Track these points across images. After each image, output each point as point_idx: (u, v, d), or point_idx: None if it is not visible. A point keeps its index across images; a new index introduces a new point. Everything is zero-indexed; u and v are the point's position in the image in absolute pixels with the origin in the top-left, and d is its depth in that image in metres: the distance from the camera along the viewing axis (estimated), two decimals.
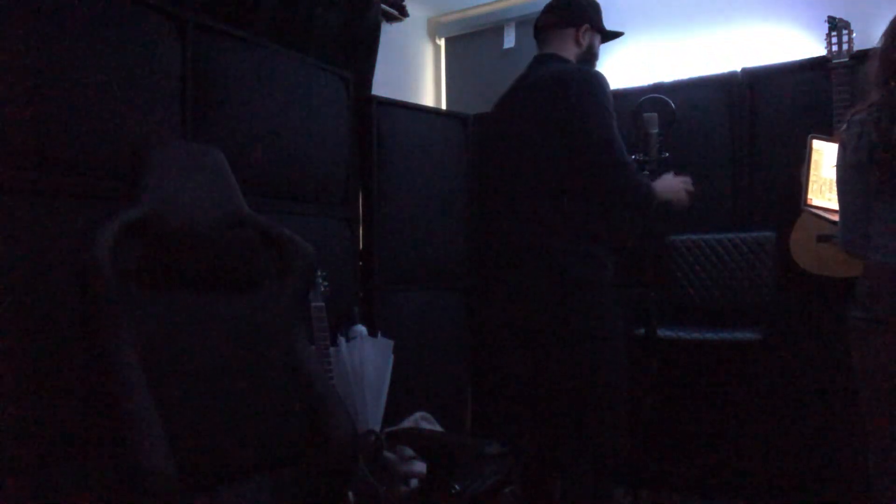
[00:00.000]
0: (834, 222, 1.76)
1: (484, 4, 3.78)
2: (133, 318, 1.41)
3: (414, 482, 2.33)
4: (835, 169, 1.70)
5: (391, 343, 2.54)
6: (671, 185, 2.00)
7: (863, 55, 2.17)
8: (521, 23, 3.67)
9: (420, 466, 2.32)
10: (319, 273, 2.17)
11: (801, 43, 2.88)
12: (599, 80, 1.87)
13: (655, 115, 2.28)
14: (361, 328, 2.55)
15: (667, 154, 2.27)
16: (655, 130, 2.24)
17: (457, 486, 2.13)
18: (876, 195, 1.56)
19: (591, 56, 2.06)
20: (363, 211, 2.87)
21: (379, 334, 2.56)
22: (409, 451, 2.37)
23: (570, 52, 2.01)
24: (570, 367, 1.85)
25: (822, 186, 2.07)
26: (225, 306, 1.61)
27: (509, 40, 3.71)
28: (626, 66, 3.29)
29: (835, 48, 2.40)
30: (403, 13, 3.53)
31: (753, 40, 3.02)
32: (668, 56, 3.22)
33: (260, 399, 1.56)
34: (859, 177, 1.59)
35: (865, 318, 1.55)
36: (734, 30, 3.08)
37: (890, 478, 1.55)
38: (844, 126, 1.66)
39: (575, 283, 1.83)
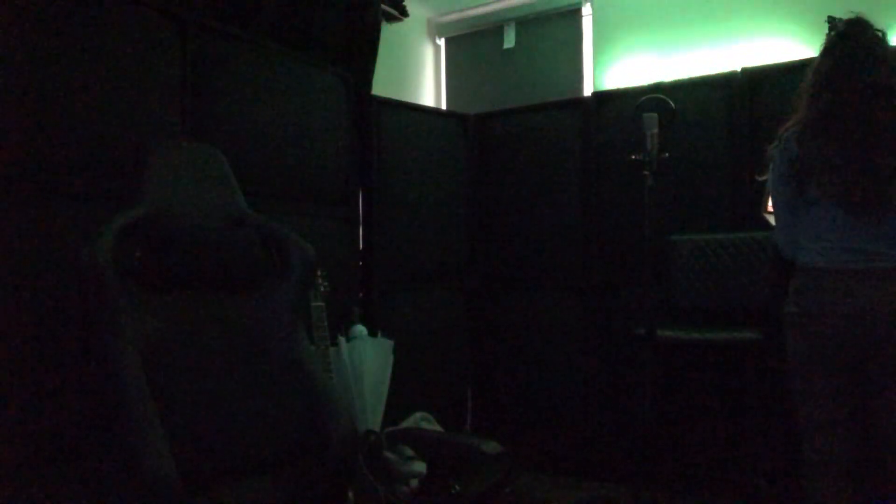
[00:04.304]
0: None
1: (484, 4, 3.77)
2: (133, 318, 1.41)
3: (414, 482, 2.32)
4: (768, 180, 1.88)
5: (391, 343, 2.54)
6: None
7: None
8: (521, 23, 3.66)
9: (420, 466, 2.32)
10: (319, 273, 2.17)
11: (802, 43, 2.88)
12: None
13: (655, 115, 2.27)
14: (361, 328, 2.54)
15: (667, 154, 2.27)
16: (655, 130, 2.23)
17: (457, 486, 2.13)
18: (801, 204, 1.75)
19: None
20: (363, 211, 2.87)
21: (379, 334, 2.56)
22: (409, 451, 2.37)
23: None
24: None
25: None
26: (225, 306, 1.61)
27: (509, 40, 3.71)
28: (626, 66, 3.30)
29: None
30: (403, 13, 3.53)
31: (753, 40, 3.01)
32: (668, 56, 3.22)
33: (260, 399, 1.56)
34: (786, 188, 1.77)
35: (797, 312, 1.74)
36: (734, 29, 3.08)
37: (816, 461, 1.73)
38: (775, 143, 1.82)
39: None
